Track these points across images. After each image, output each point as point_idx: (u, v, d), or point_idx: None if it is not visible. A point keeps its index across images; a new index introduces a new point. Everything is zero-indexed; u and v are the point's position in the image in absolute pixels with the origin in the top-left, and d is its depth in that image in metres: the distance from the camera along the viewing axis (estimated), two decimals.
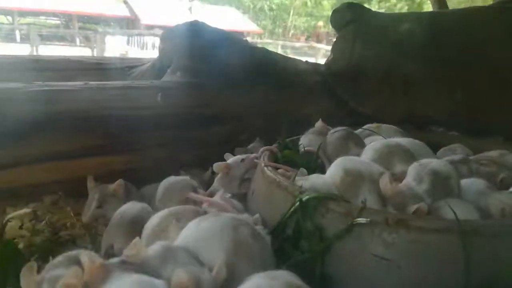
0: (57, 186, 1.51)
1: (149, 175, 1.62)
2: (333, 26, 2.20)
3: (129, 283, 0.70)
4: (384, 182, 1.06)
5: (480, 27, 1.75)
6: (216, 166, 1.42)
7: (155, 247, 0.87)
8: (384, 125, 1.59)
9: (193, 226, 0.99)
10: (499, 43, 1.80)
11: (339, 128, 1.48)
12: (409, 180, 1.09)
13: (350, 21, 2.04)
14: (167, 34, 2.14)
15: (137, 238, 0.87)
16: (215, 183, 1.45)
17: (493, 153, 1.38)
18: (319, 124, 1.62)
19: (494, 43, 1.80)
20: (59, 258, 0.92)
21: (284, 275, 0.80)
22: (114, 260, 0.78)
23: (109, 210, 1.34)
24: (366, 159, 1.25)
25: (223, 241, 0.89)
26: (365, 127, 1.61)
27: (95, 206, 1.33)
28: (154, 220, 1.09)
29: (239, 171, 1.44)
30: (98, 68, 2.29)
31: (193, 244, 0.92)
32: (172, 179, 1.44)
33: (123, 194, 1.41)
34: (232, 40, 2.12)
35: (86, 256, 0.72)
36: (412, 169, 1.12)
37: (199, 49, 1.99)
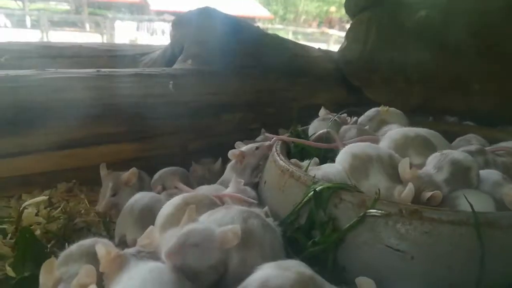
0: (70, 173, 1.53)
1: (160, 163, 1.63)
2: (347, 12, 2.16)
3: (145, 271, 0.71)
4: (404, 166, 1.05)
5: (499, 15, 1.70)
6: (231, 153, 1.42)
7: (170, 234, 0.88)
8: (392, 108, 1.58)
9: (204, 218, 1.00)
10: None
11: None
12: (428, 168, 1.08)
13: (365, 7, 2.00)
14: (178, 21, 2.12)
15: (151, 227, 0.88)
16: (227, 173, 1.45)
17: (510, 144, 1.35)
18: (322, 111, 1.63)
19: None
20: (74, 247, 0.94)
21: (296, 265, 0.80)
22: (130, 250, 0.79)
23: (123, 198, 1.35)
24: (383, 147, 1.23)
25: None
26: (372, 110, 1.59)
27: (109, 195, 1.34)
28: (168, 208, 1.09)
29: (253, 159, 1.44)
30: (110, 55, 2.29)
31: None
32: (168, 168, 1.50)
33: (137, 183, 1.43)
34: (244, 26, 2.09)
35: (102, 247, 0.73)
36: (433, 158, 1.12)
37: (210, 36, 1.98)
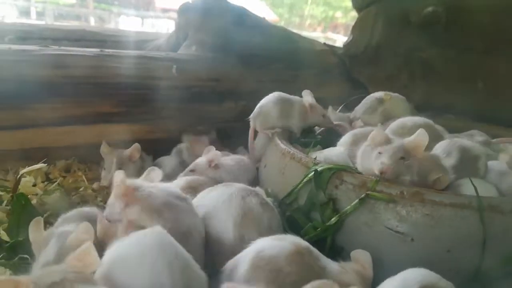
0: (69, 151, 1.52)
1: (160, 147, 1.62)
2: (354, 7, 2.15)
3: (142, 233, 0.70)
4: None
5: (507, 12, 1.69)
6: None
7: None
8: (395, 94, 1.56)
9: (204, 195, 1.00)
10: None
11: None
12: (437, 153, 1.08)
13: (372, 1, 1.99)
14: (184, 8, 2.11)
15: None
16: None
17: None
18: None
19: None
20: (73, 211, 0.94)
21: (291, 237, 0.80)
22: None
23: (127, 173, 1.34)
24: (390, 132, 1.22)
25: (232, 209, 0.90)
26: (374, 94, 1.58)
27: (115, 169, 1.33)
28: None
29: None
30: (114, 40, 2.28)
31: (203, 211, 0.92)
32: None
33: (139, 160, 1.42)
34: (249, 16, 2.08)
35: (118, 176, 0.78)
36: (442, 144, 1.12)
37: (216, 23, 1.97)
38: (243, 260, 0.74)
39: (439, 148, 1.09)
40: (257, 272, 0.71)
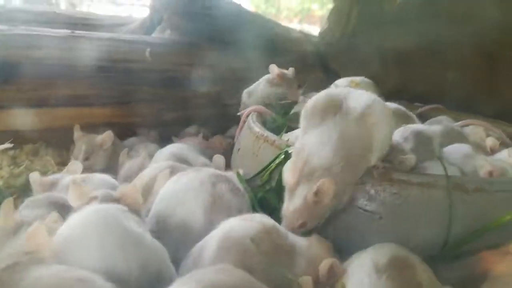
0: (37, 134, 1.47)
1: (132, 131, 1.60)
2: None
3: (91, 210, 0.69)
4: None
5: (480, 2, 1.73)
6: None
7: None
8: (359, 78, 1.62)
9: (174, 179, 0.98)
10: (497, 24, 1.78)
11: None
12: (396, 139, 1.10)
13: None
14: None
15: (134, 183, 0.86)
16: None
17: (479, 121, 1.40)
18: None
19: (492, 25, 1.78)
20: (41, 195, 0.91)
21: (258, 217, 0.80)
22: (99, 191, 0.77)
23: (97, 161, 1.32)
24: None
25: (201, 196, 0.89)
26: (341, 81, 1.63)
27: (82, 158, 1.30)
28: (151, 171, 1.08)
29: None
30: (85, 24, 2.22)
31: (171, 196, 0.91)
32: None
33: (110, 147, 1.40)
34: (225, 1, 2.06)
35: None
36: (398, 131, 1.15)
37: (190, 7, 1.94)
38: (210, 243, 0.74)
39: (396, 135, 1.13)
40: (224, 253, 0.70)
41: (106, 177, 1.09)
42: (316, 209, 0.82)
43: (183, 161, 1.19)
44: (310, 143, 0.85)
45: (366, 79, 1.61)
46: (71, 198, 0.75)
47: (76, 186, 0.75)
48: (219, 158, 1.19)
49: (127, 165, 1.26)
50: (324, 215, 0.85)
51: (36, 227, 0.62)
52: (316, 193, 0.79)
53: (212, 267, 0.65)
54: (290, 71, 1.59)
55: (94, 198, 0.74)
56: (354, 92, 0.93)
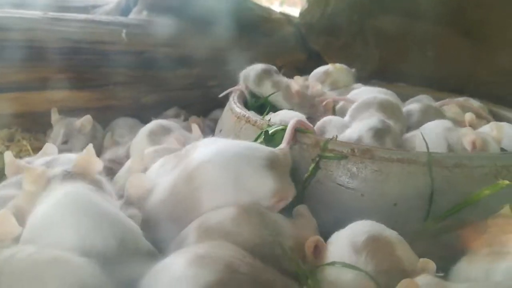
0: (13, 119, 1.43)
1: (112, 115, 1.57)
2: None
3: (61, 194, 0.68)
4: None
5: None
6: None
7: None
8: (338, 65, 1.67)
9: (156, 166, 1.00)
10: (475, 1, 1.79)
11: None
12: None
13: None
14: None
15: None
16: None
17: (459, 100, 1.42)
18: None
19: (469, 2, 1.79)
20: (13, 178, 0.89)
21: None
22: (55, 170, 0.75)
23: (76, 146, 1.29)
24: None
25: None
26: (319, 71, 1.67)
27: (60, 141, 1.27)
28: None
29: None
30: (58, 6, 2.14)
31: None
32: None
33: (90, 131, 1.37)
34: None
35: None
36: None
37: None
38: (190, 230, 0.73)
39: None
40: (205, 240, 0.69)
41: (74, 156, 1.06)
42: None
43: (166, 130, 1.22)
44: None
45: (343, 66, 1.68)
46: (27, 183, 0.72)
47: (30, 170, 0.72)
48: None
49: (113, 149, 1.26)
50: None
51: (2, 214, 0.60)
52: None
53: (209, 242, 0.65)
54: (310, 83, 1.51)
55: (53, 178, 0.72)
56: None
